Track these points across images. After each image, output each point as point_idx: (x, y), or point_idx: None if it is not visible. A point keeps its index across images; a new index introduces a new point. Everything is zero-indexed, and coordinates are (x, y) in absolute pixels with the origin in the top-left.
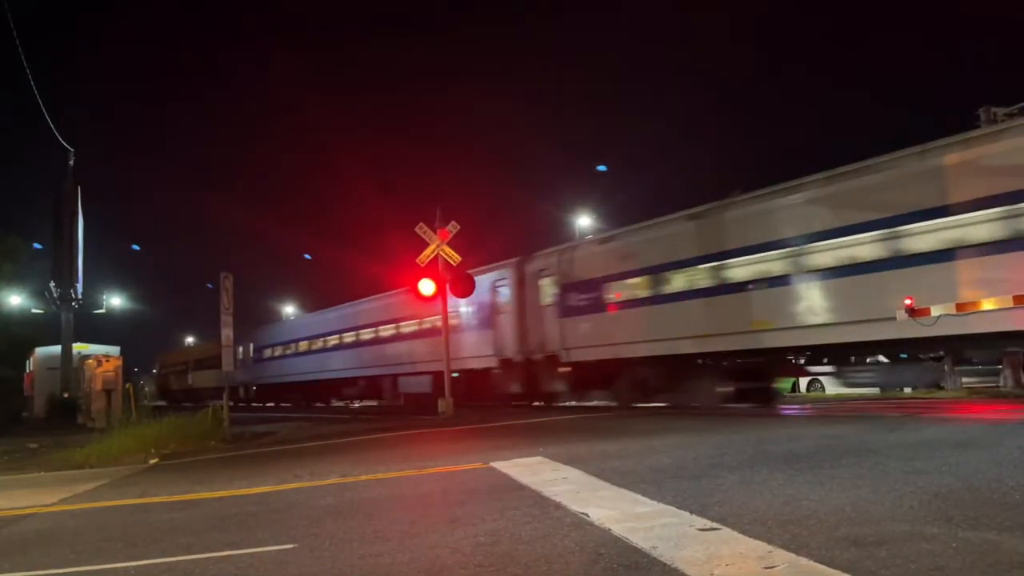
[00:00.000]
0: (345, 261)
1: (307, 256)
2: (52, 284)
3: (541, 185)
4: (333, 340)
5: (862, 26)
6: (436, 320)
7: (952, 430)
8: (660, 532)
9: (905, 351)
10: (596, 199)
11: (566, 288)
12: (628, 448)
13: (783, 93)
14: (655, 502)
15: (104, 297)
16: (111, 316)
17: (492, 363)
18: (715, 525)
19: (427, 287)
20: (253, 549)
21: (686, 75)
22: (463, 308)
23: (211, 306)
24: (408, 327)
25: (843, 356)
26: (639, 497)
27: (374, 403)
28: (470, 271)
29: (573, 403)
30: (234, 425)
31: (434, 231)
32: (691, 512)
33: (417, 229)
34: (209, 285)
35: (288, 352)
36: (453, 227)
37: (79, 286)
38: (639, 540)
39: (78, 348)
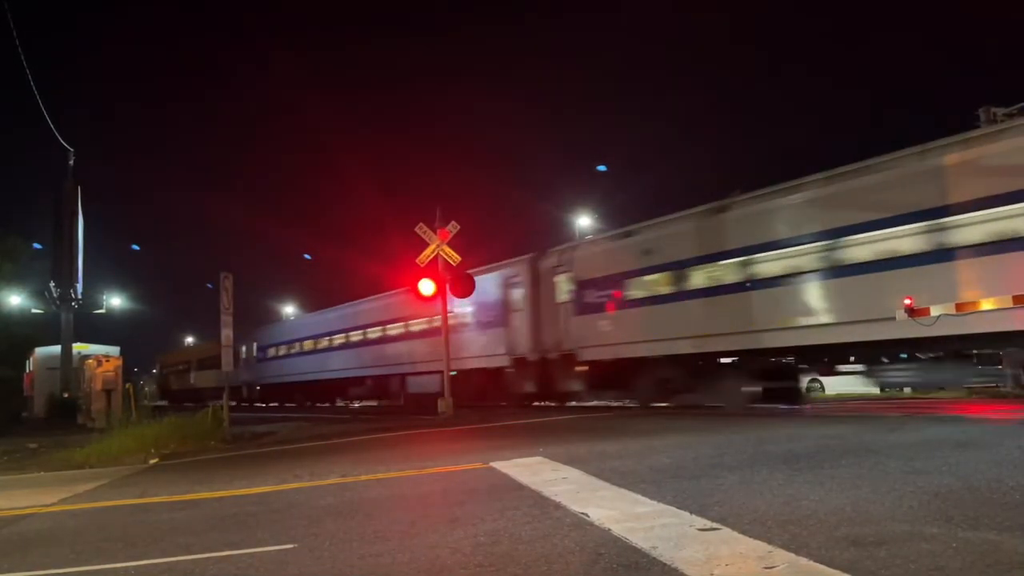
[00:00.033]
0: (345, 261)
1: (307, 256)
2: (52, 284)
3: (541, 185)
4: (335, 340)
5: (862, 26)
6: (438, 320)
7: (952, 430)
8: (660, 532)
9: (905, 351)
10: (596, 199)
11: (583, 285)
12: (628, 448)
13: (783, 93)
14: (655, 502)
15: (104, 297)
16: (111, 316)
17: (505, 362)
18: (715, 525)
19: (427, 287)
20: (253, 549)
21: (686, 75)
22: (473, 306)
23: (211, 306)
24: (411, 327)
25: (874, 355)
26: (639, 497)
27: (374, 403)
28: (480, 268)
29: (592, 403)
30: (234, 425)
31: (434, 231)
32: (691, 512)
33: (417, 229)
34: (209, 285)
35: (292, 352)
36: (453, 227)
37: (79, 286)
38: (639, 540)
39: (78, 348)
